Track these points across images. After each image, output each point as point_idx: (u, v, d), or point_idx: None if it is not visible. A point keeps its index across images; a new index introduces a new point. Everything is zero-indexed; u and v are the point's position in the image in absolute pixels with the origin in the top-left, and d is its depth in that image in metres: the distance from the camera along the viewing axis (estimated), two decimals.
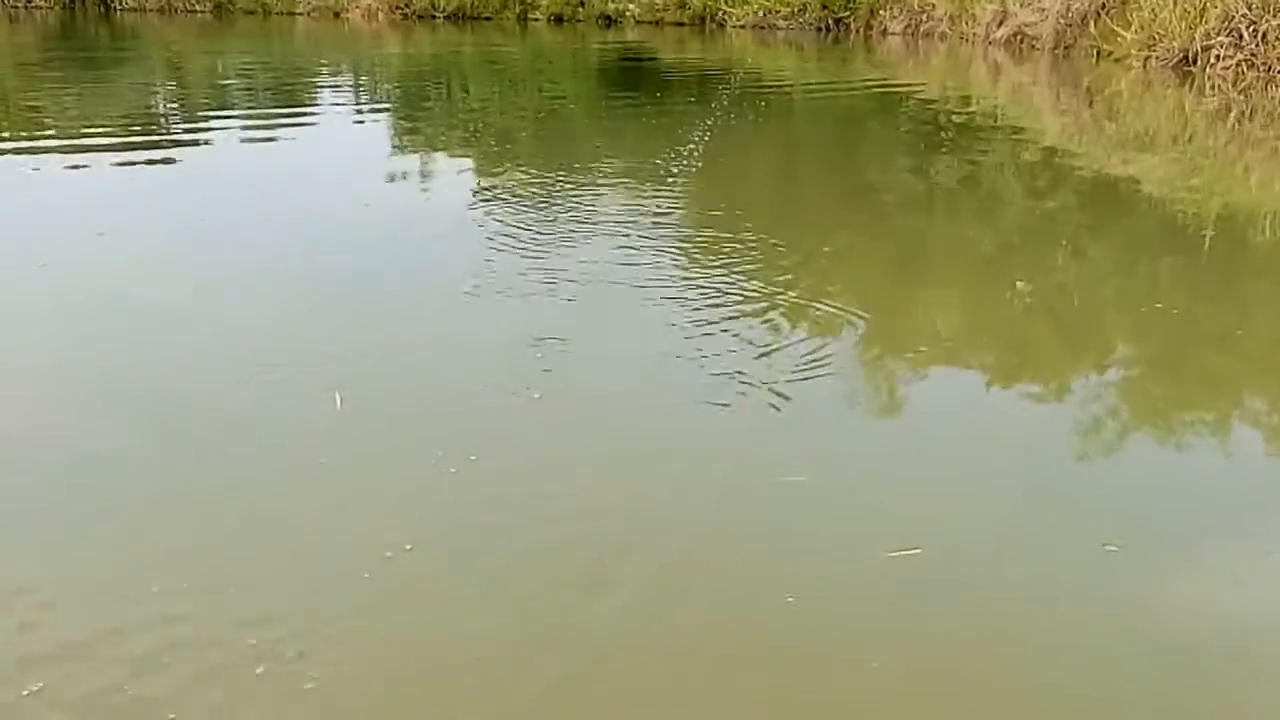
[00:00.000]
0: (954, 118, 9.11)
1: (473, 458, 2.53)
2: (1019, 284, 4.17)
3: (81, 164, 6.50)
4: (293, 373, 3.06)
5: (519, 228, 4.89)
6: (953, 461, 2.63)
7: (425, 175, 6.37)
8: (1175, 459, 2.72)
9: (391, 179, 6.28)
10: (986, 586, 2.11)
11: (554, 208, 5.38)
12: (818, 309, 3.75)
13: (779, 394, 2.96)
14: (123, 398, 2.91)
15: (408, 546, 2.14)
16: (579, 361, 3.21)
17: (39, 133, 7.79)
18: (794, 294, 3.90)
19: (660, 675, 1.82)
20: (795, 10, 18.43)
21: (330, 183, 6.07)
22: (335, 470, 2.48)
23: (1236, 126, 8.63)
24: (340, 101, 10.27)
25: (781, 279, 4.09)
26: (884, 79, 12.52)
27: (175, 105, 9.93)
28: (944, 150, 7.61)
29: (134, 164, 6.44)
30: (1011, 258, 4.79)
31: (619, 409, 2.91)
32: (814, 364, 3.21)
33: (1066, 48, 13.46)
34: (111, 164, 6.45)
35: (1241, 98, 9.81)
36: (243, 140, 7.59)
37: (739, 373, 3.11)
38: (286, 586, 2.02)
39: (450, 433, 2.68)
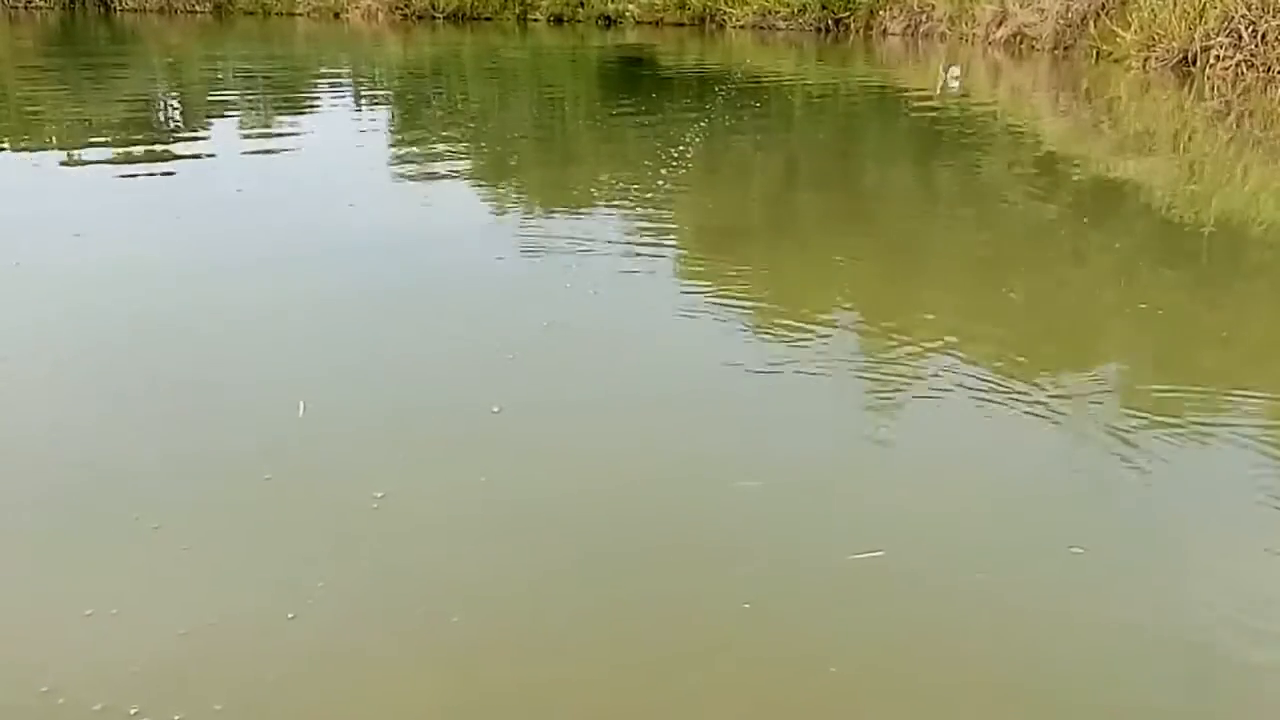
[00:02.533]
0: (953, 119, 9.05)
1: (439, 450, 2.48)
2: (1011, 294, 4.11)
3: (73, 165, 6.46)
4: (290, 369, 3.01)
5: (513, 229, 4.85)
6: (931, 463, 2.57)
7: (419, 178, 6.32)
8: (1156, 461, 2.65)
9: (387, 181, 6.23)
10: (950, 588, 2.06)
11: (548, 210, 5.34)
12: (807, 307, 3.70)
13: (758, 391, 2.91)
14: (89, 396, 2.86)
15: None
16: (557, 359, 3.17)
17: (35, 134, 7.75)
18: (779, 292, 3.84)
19: (620, 682, 1.77)
20: (795, 11, 18.39)
21: (324, 185, 6.02)
22: (293, 469, 2.43)
23: (1236, 127, 8.57)
24: (338, 104, 10.22)
25: (767, 276, 4.04)
26: (883, 79, 12.46)
27: (172, 108, 9.89)
28: (942, 151, 7.55)
29: (124, 165, 6.40)
30: (1008, 259, 4.73)
31: (593, 407, 2.86)
32: (801, 361, 3.17)
33: (1066, 48, 13.39)
34: (101, 165, 6.42)
35: (1241, 98, 9.74)
36: (236, 143, 7.52)
37: (721, 369, 3.06)
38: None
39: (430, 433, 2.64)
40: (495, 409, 2.79)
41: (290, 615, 1.89)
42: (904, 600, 2.02)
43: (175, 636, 1.82)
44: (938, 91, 9.46)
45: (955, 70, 10.69)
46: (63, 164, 6.53)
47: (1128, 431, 2.80)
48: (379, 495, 2.30)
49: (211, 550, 2.10)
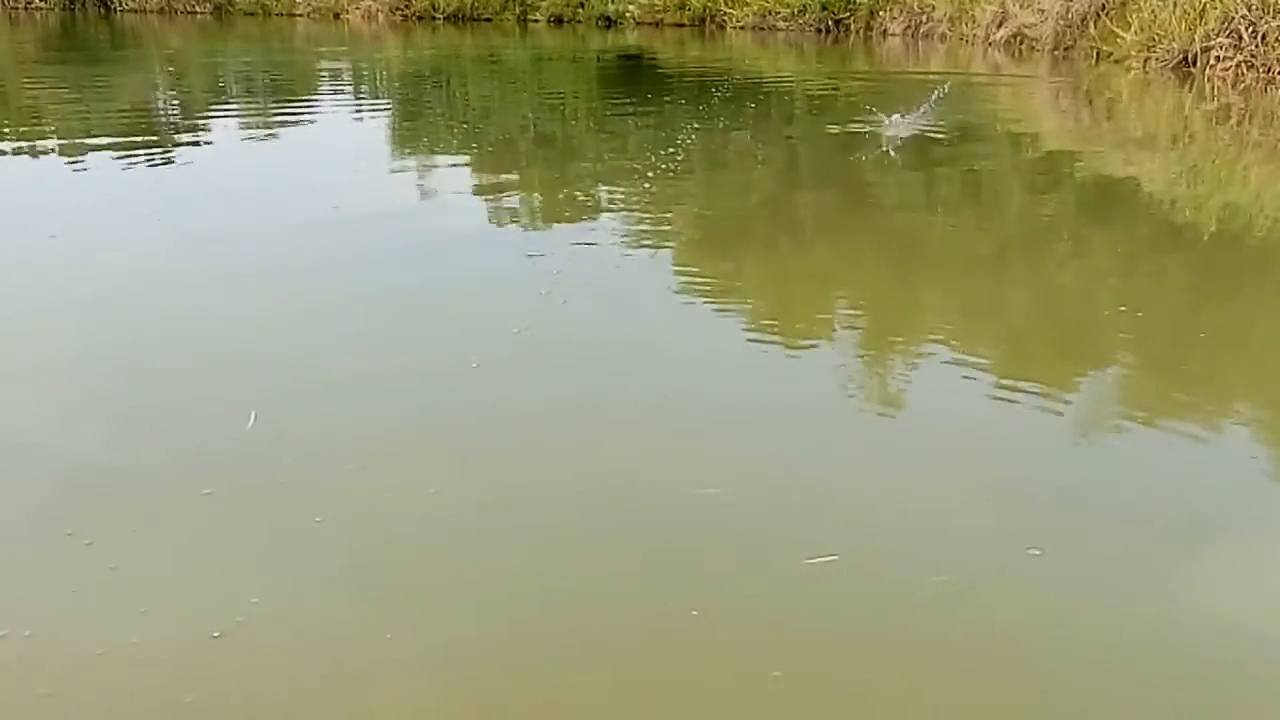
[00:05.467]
0: (952, 118, 8.95)
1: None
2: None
3: (66, 167, 6.42)
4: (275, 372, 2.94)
5: (505, 231, 4.80)
6: (908, 468, 2.50)
7: (415, 180, 6.28)
8: (1140, 462, 2.58)
9: (382, 182, 6.15)
10: (904, 593, 2.01)
11: (542, 211, 5.28)
12: (800, 308, 3.62)
13: (739, 394, 2.83)
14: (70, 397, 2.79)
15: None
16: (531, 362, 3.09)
17: (31, 135, 7.69)
18: (771, 292, 3.76)
19: (561, 683, 1.69)
20: (795, 11, 18.32)
21: (317, 186, 5.94)
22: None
23: (1236, 128, 8.48)
24: (337, 105, 10.16)
25: (760, 276, 3.96)
26: (884, 80, 12.38)
27: (170, 109, 9.82)
28: (941, 151, 7.45)
29: (117, 167, 6.34)
30: (1006, 260, 4.66)
31: (562, 412, 2.78)
32: (789, 362, 3.10)
33: (1066, 49, 13.30)
34: (95, 167, 6.35)
35: (1241, 99, 9.64)
36: (231, 145, 7.45)
37: (704, 372, 2.99)
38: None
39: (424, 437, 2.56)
40: (462, 415, 2.72)
41: (215, 634, 1.81)
42: (853, 606, 1.96)
43: (92, 658, 1.75)
44: (889, 149, 7.00)
45: (896, 119, 7.63)
46: (55, 165, 6.48)
47: (1116, 433, 2.73)
48: (318, 518, 2.21)
49: (141, 568, 2.02)
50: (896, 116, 7.65)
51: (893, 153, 6.94)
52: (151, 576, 1.99)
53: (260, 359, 3.14)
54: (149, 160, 6.50)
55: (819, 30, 18.09)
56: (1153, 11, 11.51)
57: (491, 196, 5.77)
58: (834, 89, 11.57)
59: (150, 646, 1.78)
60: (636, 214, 5.20)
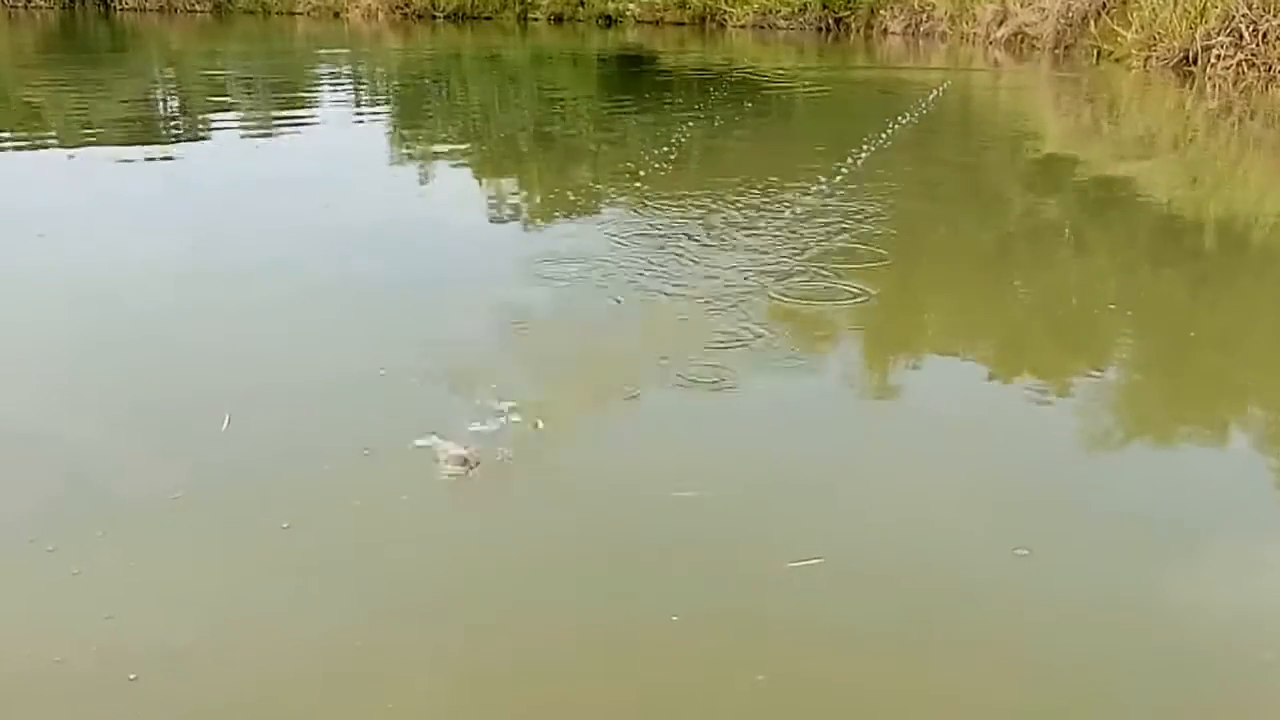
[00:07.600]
0: (953, 117, 8.91)
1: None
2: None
3: (61, 165, 6.38)
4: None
5: (498, 230, 4.77)
6: (894, 469, 2.46)
7: (412, 178, 6.26)
8: (1128, 463, 2.54)
9: (379, 181, 6.12)
10: (890, 593, 1.98)
11: (539, 210, 5.27)
12: (792, 308, 3.58)
13: (725, 393, 2.79)
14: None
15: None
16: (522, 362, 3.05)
17: (28, 134, 7.66)
18: (764, 291, 3.72)
19: (542, 689, 1.66)
20: (795, 10, 18.28)
21: (312, 186, 5.89)
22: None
23: (1237, 126, 8.43)
24: (337, 103, 10.12)
25: (755, 274, 3.92)
26: (883, 79, 12.33)
27: (169, 108, 9.79)
28: (942, 150, 7.41)
29: (113, 166, 6.31)
30: (1005, 259, 4.62)
31: (542, 414, 2.74)
32: (778, 362, 3.07)
33: (1067, 47, 13.25)
34: (91, 166, 6.33)
35: (1242, 98, 9.59)
36: (230, 144, 7.39)
37: (692, 372, 2.96)
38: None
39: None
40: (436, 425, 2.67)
41: (181, 640, 1.77)
42: (838, 608, 1.92)
43: (50, 665, 1.71)
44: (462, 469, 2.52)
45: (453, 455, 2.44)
46: (52, 164, 6.44)
47: (1105, 434, 2.69)
48: (286, 524, 2.16)
49: (105, 573, 1.97)
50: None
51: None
52: (116, 581, 1.95)
53: (240, 360, 3.10)
54: (146, 159, 6.47)
55: (819, 29, 18.05)
56: (1153, 10, 11.46)
57: (487, 196, 5.75)
58: (830, 90, 11.52)
59: (113, 652, 1.75)
60: (630, 213, 5.16)
